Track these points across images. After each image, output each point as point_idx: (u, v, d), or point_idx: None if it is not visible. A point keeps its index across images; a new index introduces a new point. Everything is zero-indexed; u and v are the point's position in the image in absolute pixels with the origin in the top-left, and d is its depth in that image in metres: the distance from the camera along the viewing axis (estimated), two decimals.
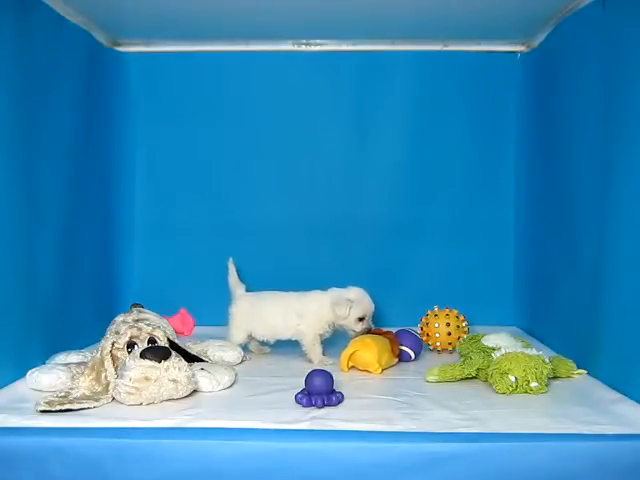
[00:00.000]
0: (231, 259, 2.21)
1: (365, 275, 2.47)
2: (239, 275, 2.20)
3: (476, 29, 2.27)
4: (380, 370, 1.82)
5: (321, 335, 1.98)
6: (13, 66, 1.67)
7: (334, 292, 2.00)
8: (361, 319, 1.97)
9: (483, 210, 2.49)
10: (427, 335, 2.11)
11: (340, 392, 1.54)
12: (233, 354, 1.93)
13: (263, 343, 2.10)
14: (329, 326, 1.98)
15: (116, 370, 1.57)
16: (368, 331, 1.96)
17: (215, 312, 2.21)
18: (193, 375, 1.58)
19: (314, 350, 1.96)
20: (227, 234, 2.48)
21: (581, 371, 1.75)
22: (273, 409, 1.48)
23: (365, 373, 1.83)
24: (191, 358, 1.74)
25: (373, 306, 1.99)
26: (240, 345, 2.03)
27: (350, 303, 1.95)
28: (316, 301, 2.00)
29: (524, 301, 2.44)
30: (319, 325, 1.97)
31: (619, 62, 1.62)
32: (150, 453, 1.27)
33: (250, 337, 2.08)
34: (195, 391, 1.60)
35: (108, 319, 1.76)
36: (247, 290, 2.17)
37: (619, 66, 1.62)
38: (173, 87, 2.49)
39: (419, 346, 2.01)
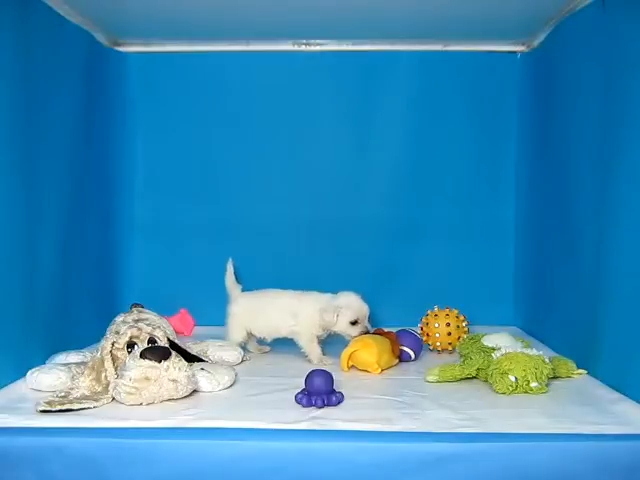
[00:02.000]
0: (230, 260, 2.22)
1: (365, 275, 2.48)
2: (236, 276, 2.21)
3: (476, 29, 2.27)
4: (379, 370, 1.82)
5: (318, 336, 1.98)
6: (13, 66, 1.67)
7: (324, 298, 1.99)
8: (354, 323, 1.94)
9: (483, 210, 2.49)
10: (427, 335, 2.11)
11: (340, 392, 1.54)
12: (233, 354, 1.93)
13: (261, 341, 2.10)
14: (322, 329, 1.97)
15: (116, 370, 1.57)
16: (366, 332, 1.94)
17: (215, 312, 2.21)
18: (193, 375, 1.57)
19: (312, 350, 1.96)
20: (227, 234, 2.49)
21: (581, 371, 1.75)
22: (273, 409, 1.48)
23: (365, 373, 1.83)
24: (191, 358, 1.74)
25: (366, 308, 1.97)
26: (239, 344, 2.03)
27: (338, 310, 1.94)
28: (312, 304, 1.99)
29: (524, 301, 2.44)
30: (313, 327, 1.97)
31: (619, 62, 1.62)
32: (150, 453, 1.27)
33: (249, 335, 2.09)
34: (195, 391, 1.60)
35: (108, 319, 1.76)
36: (242, 290, 2.18)
37: (619, 66, 1.62)
38: (173, 87, 2.49)
39: (419, 346, 2.01)
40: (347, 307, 1.94)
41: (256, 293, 2.13)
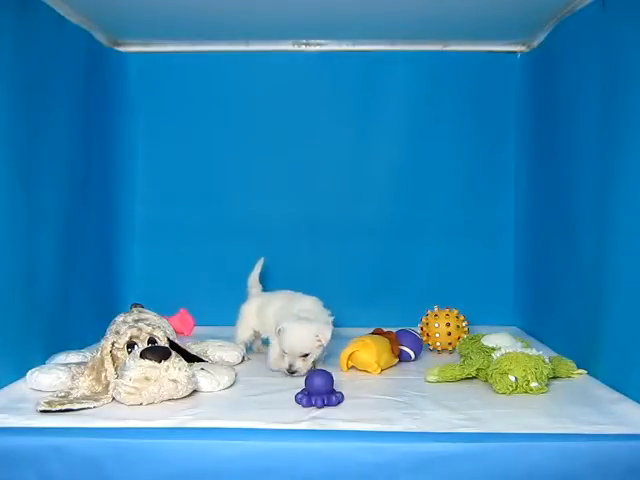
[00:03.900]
0: (262, 259, 2.23)
1: (365, 275, 2.49)
2: (241, 275, 2.21)
3: (476, 29, 2.27)
4: (379, 370, 1.82)
5: None
6: (13, 66, 1.67)
7: (309, 305, 1.91)
8: (286, 353, 1.79)
9: (483, 210, 2.49)
10: (427, 335, 2.11)
11: (340, 392, 1.54)
12: (233, 354, 1.93)
13: (266, 342, 2.10)
14: None
15: (116, 370, 1.57)
16: (292, 372, 1.77)
17: (215, 312, 2.21)
18: (193, 375, 1.57)
19: (271, 352, 1.88)
20: (227, 234, 2.49)
21: (581, 371, 1.75)
22: (273, 409, 1.48)
23: (365, 373, 1.83)
24: (191, 358, 1.74)
25: (297, 348, 1.77)
26: (245, 343, 2.04)
27: (280, 329, 1.80)
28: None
29: (524, 301, 2.44)
30: None
31: (619, 62, 1.62)
32: (150, 453, 1.27)
33: (255, 335, 2.08)
34: (195, 391, 1.59)
35: (108, 319, 1.76)
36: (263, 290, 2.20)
37: (619, 66, 1.62)
38: (173, 87, 2.49)
39: (419, 346, 2.01)
40: (283, 333, 1.79)
41: (268, 294, 2.13)
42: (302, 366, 1.78)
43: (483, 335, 1.89)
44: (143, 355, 1.50)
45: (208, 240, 2.49)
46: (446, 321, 2.09)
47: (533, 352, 1.68)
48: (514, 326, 2.41)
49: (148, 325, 1.67)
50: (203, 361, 1.78)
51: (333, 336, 1.94)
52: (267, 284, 2.21)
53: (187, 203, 2.50)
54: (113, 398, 1.52)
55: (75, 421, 1.39)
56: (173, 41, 2.42)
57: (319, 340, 1.80)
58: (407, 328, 2.04)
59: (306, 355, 1.79)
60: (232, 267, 2.41)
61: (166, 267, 2.51)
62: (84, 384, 1.56)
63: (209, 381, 1.63)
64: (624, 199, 1.58)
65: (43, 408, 1.43)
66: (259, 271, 2.23)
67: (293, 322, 1.82)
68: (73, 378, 1.61)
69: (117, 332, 1.65)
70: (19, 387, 1.63)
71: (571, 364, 1.76)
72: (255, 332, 2.08)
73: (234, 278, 2.26)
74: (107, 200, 2.35)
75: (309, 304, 1.94)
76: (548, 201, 2.16)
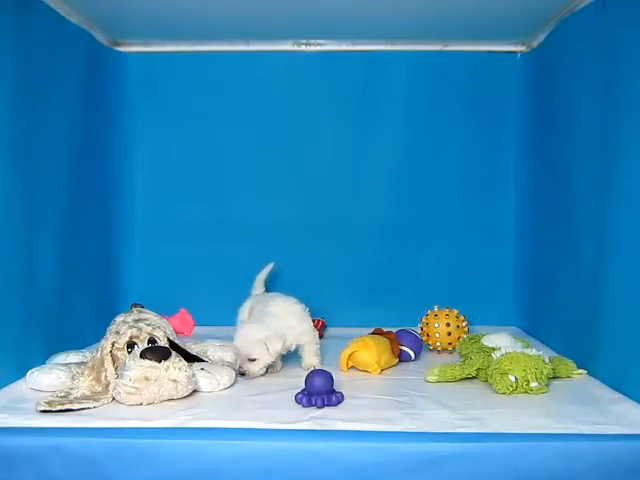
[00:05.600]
0: (272, 264, 2.23)
1: (366, 275, 2.49)
2: (240, 277, 2.20)
3: (476, 29, 2.27)
4: (379, 370, 1.82)
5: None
6: (13, 66, 1.67)
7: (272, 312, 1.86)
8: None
9: (483, 210, 2.49)
10: (427, 335, 2.11)
11: (340, 392, 1.54)
12: (233, 354, 1.93)
13: None
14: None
15: (116, 370, 1.57)
16: (240, 374, 1.74)
17: (215, 312, 2.20)
18: (193, 375, 1.57)
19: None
20: (227, 234, 2.49)
21: (581, 371, 1.75)
22: (273, 409, 1.48)
23: (365, 373, 1.83)
24: (191, 358, 1.74)
25: (242, 350, 1.75)
26: None
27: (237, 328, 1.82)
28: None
29: (524, 301, 2.44)
30: None
31: (619, 62, 1.62)
32: (150, 453, 1.27)
33: None
34: (195, 391, 1.60)
35: (108, 319, 1.76)
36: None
37: (619, 66, 1.62)
38: (173, 87, 2.49)
39: (419, 346, 2.00)
40: (235, 333, 1.80)
41: (262, 295, 2.12)
42: (251, 369, 1.75)
43: (483, 335, 1.89)
44: (143, 355, 1.51)
45: (208, 240, 2.49)
46: (446, 321, 2.09)
47: (533, 352, 1.68)
48: (514, 326, 2.41)
49: (148, 325, 1.67)
50: (203, 361, 1.78)
51: (332, 336, 1.94)
52: (267, 284, 2.21)
53: (187, 203, 2.50)
54: (113, 398, 1.52)
55: (75, 421, 1.39)
56: (173, 41, 2.42)
57: (267, 348, 1.75)
58: (407, 328, 2.04)
59: (254, 360, 1.75)
60: (232, 267, 2.41)
61: (166, 267, 2.51)
62: (84, 384, 1.56)
63: (209, 381, 1.63)
64: (624, 199, 1.58)
65: (43, 408, 1.43)
66: (266, 274, 2.22)
67: (243, 325, 1.83)
68: (73, 378, 1.61)
69: (117, 332, 1.65)
70: (19, 387, 1.63)
71: (571, 364, 1.76)
72: None
73: (234, 278, 2.26)
74: (107, 200, 2.35)
75: (279, 308, 1.88)
76: (548, 201, 2.16)
